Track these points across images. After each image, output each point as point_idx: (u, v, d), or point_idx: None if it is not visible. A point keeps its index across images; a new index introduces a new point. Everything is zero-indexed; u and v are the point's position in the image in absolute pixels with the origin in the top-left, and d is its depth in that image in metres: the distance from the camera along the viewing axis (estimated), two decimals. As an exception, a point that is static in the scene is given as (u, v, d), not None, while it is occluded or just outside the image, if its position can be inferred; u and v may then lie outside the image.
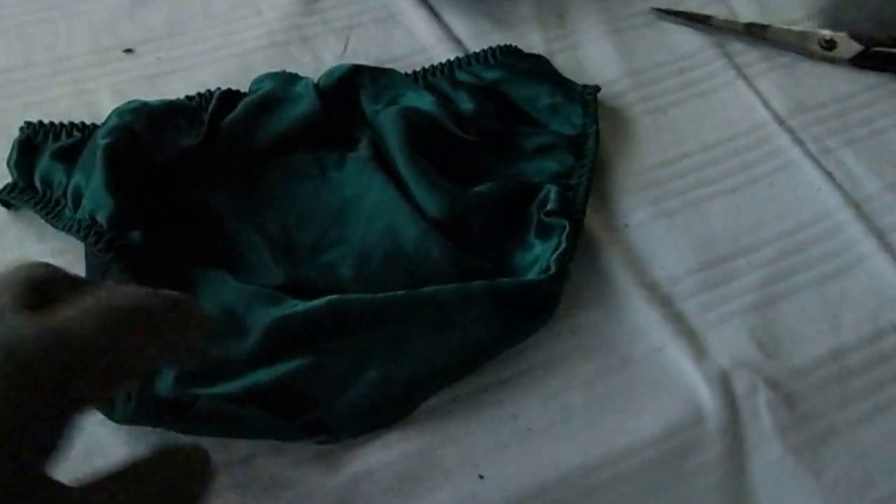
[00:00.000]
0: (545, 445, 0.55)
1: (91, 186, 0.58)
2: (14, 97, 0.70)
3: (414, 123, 0.64)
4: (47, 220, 0.60)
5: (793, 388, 0.58)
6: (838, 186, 0.67)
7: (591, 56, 0.76)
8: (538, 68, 0.72)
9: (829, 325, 0.61)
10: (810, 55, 0.76)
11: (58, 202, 0.60)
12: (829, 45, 0.75)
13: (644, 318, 0.60)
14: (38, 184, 0.62)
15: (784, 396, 0.57)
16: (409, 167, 0.62)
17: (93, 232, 0.57)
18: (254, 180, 0.63)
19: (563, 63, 0.74)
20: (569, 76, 0.73)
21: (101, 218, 0.57)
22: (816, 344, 0.60)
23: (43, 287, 0.37)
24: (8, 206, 0.63)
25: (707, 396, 0.57)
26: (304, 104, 0.65)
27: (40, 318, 0.35)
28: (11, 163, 0.63)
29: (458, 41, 0.76)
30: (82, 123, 0.65)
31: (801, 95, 0.73)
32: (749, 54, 0.76)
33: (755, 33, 0.77)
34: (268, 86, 0.67)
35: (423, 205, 0.61)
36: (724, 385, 0.57)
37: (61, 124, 0.64)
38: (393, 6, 0.78)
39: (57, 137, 0.64)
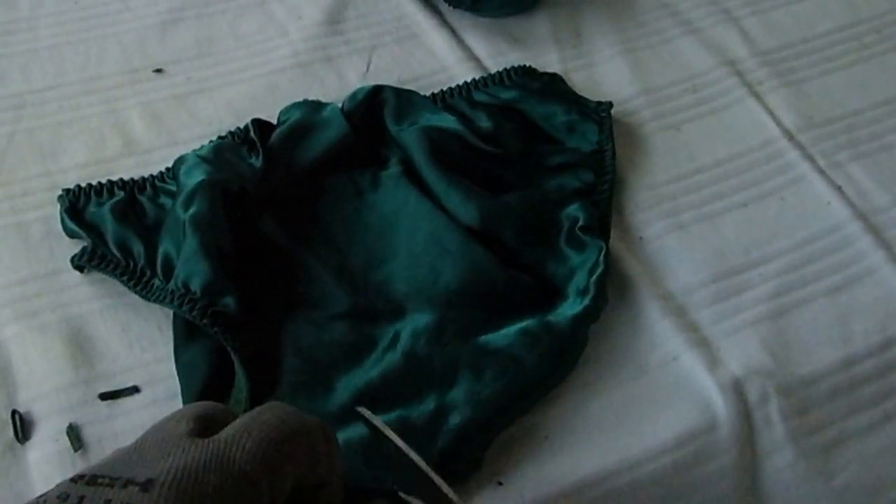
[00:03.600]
0: (563, 453, 0.56)
1: (183, 255, 0.59)
2: (47, 116, 0.72)
3: (436, 140, 0.66)
4: (136, 292, 0.60)
5: (804, 396, 0.59)
6: (847, 200, 0.69)
7: (606, 74, 0.77)
8: (553, 87, 0.73)
9: (839, 334, 0.62)
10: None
11: (143, 272, 0.61)
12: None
13: (659, 328, 0.61)
14: (114, 249, 0.62)
15: (796, 404, 0.58)
16: (439, 179, 0.64)
17: (187, 300, 0.57)
18: (300, 207, 0.64)
19: (578, 81, 0.76)
20: (584, 94, 0.74)
21: (194, 286, 0.57)
22: (827, 353, 0.61)
23: (211, 420, 0.42)
24: (81, 269, 0.63)
25: (720, 404, 0.58)
26: (334, 128, 0.67)
27: (207, 444, 0.40)
28: (68, 230, 0.64)
29: (477, 60, 0.78)
30: (121, 180, 0.65)
31: (810, 112, 0.74)
32: (760, 72, 0.78)
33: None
34: (296, 115, 0.68)
35: (457, 214, 0.63)
36: (738, 393, 0.58)
37: (100, 184, 0.65)
38: (414, 26, 0.80)
39: (99, 195, 0.64)
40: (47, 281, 0.62)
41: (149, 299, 0.60)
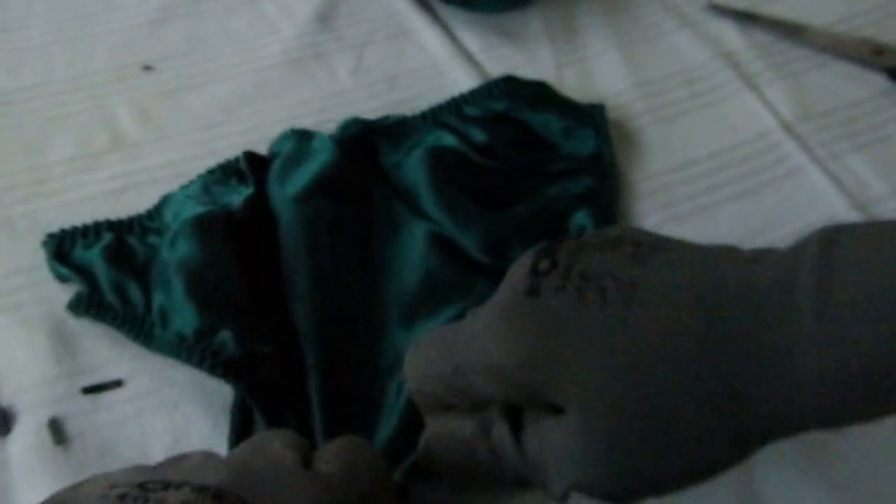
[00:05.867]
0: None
1: (173, 303, 0.57)
2: (34, 113, 0.72)
3: (440, 159, 0.64)
4: (139, 343, 0.58)
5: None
6: (846, 191, 0.67)
7: (600, 68, 0.76)
8: (542, 93, 0.72)
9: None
10: (855, 60, 0.77)
11: (143, 320, 0.59)
12: (878, 52, 0.76)
13: (653, 320, 0.60)
14: (110, 296, 0.60)
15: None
16: (439, 208, 0.62)
17: (184, 348, 0.56)
18: (292, 242, 0.61)
19: (572, 75, 0.75)
20: (579, 88, 0.74)
21: (187, 332, 0.56)
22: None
23: (304, 449, 0.43)
24: (77, 315, 0.60)
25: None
26: (324, 155, 0.64)
27: (325, 482, 0.41)
28: (58, 274, 0.62)
29: (469, 55, 0.77)
30: (107, 221, 0.63)
31: (807, 103, 0.74)
32: (756, 65, 0.77)
33: (800, 35, 0.78)
34: (286, 147, 0.66)
35: (462, 240, 0.61)
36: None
37: (85, 226, 0.63)
38: (405, 23, 0.80)
39: (85, 236, 0.62)
40: (31, 275, 0.62)
41: (152, 349, 0.58)
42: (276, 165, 0.65)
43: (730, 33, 0.79)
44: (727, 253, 0.44)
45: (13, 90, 0.73)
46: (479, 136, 0.67)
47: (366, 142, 0.67)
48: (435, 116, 0.70)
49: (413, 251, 0.61)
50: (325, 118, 0.72)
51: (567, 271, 0.43)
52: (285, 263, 0.60)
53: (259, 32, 0.79)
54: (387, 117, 0.69)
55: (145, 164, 0.68)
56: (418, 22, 0.80)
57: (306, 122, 0.71)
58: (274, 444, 0.42)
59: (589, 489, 0.43)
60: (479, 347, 0.44)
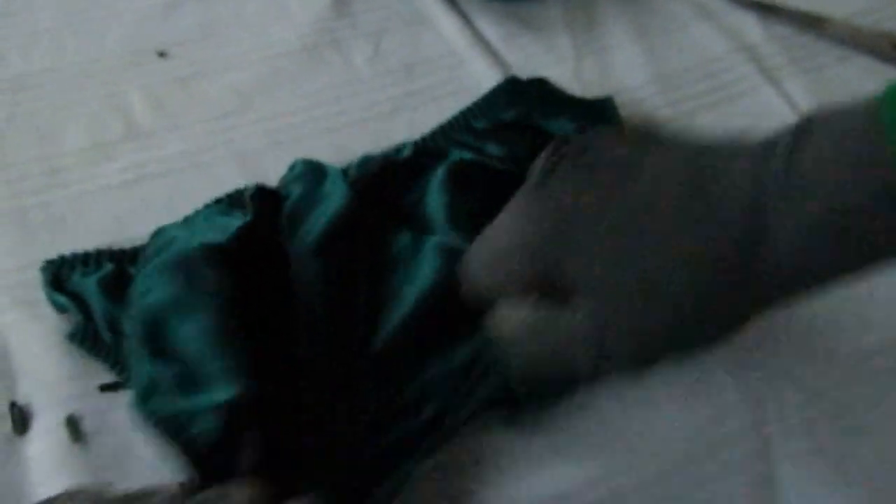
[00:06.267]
0: (569, 449, 0.55)
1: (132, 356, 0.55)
2: (46, 99, 0.71)
3: (460, 172, 0.63)
4: (126, 386, 0.56)
5: (820, 386, 0.57)
6: (867, 188, 0.67)
7: (619, 59, 0.76)
8: (546, 91, 0.70)
9: (856, 322, 0.60)
10: (875, 53, 0.76)
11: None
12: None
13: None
14: (103, 330, 0.57)
15: (811, 393, 0.57)
16: (458, 227, 0.60)
17: (137, 403, 0.52)
18: (305, 287, 0.58)
19: (591, 67, 0.75)
20: (598, 79, 0.73)
21: (139, 389, 0.53)
22: (844, 341, 0.60)
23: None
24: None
25: (732, 395, 0.56)
26: (337, 198, 0.61)
27: None
28: (55, 304, 0.59)
29: (487, 44, 0.76)
30: (110, 251, 0.61)
31: (827, 98, 0.73)
32: (777, 58, 0.76)
33: (821, 27, 0.78)
34: (297, 190, 0.62)
35: None
36: (750, 383, 0.57)
37: (86, 254, 0.60)
38: (423, 9, 0.79)
39: (85, 264, 0.60)
40: (46, 269, 0.61)
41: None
42: (286, 209, 0.62)
43: (750, 25, 0.79)
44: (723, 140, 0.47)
45: (24, 75, 0.72)
46: (495, 150, 0.65)
47: (381, 180, 0.64)
48: (446, 134, 0.68)
49: (425, 276, 0.58)
50: (341, 108, 0.71)
51: (574, 162, 0.48)
52: (298, 309, 0.58)
53: (273, 18, 0.78)
54: (403, 146, 0.66)
55: (159, 153, 0.67)
56: (436, 9, 0.79)
57: (322, 112, 0.70)
58: (239, 492, 0.44)
59: (609, 360, 0.47)
60: (499, 234, 0.49)
